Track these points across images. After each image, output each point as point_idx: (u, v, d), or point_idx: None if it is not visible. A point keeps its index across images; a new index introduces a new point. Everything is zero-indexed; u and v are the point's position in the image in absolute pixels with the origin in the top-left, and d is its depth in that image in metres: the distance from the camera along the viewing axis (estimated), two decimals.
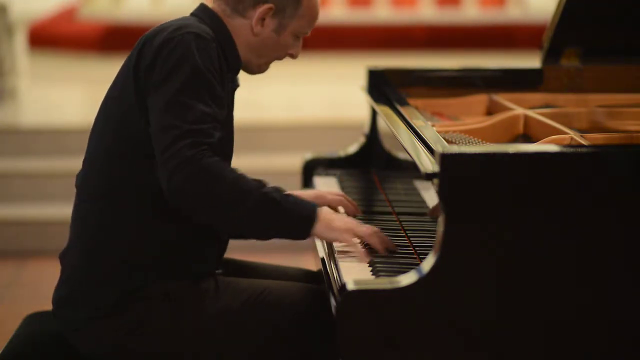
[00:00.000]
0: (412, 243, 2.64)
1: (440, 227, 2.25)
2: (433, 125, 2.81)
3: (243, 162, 5.26)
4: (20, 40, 8.55)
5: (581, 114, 3.11)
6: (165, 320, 2.52)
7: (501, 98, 3.28)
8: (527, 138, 3.01)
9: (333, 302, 2.33)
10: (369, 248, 2.54)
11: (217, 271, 2.69)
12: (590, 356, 2.32)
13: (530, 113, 3.04)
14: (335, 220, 2.49)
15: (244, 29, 2.64)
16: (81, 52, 8.50)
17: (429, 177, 2.32)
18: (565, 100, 3.32)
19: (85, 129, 2.80)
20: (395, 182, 3.17)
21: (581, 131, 2.82)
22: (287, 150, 6.01)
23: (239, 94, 2.73)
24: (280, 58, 2.72)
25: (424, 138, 2.55)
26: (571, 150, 2.32)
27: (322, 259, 2.60)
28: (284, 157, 5.94)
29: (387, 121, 2.92)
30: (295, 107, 6.91)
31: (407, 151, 2.57)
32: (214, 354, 2.54)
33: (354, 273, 2.40)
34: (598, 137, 2.73)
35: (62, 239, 2.71)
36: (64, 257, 2.63)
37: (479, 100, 3.36)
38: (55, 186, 5.67)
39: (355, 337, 2.26)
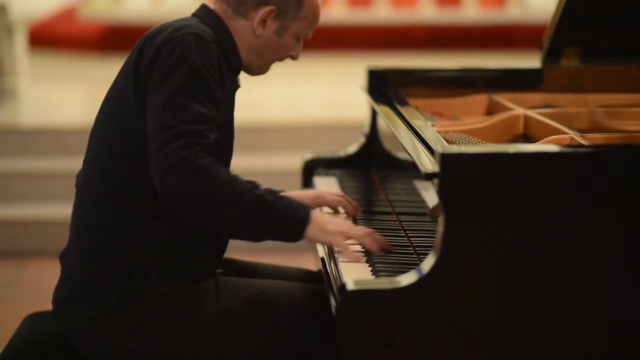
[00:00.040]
0: (412, 243, 2.64)
1: (440, 227, 2.25)
2: (433, 125, 2.81)
3: (243, 162, 5.27)
4: (20, 40, 8.55)
5: (581, 114, 3.11)
6: (165, 320, 2.52)
7: (501, 98, 3.28)
8: (527, 138, 3.01)
9: (333, 302, 2.33)
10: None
11: (217, 271, 2.69)
12: (590, 356, 2.32)
13: (530, 113, 3.04)
14: (328, 223, 2.49)
15: (245, 30, 2.64)
16: (81, 52, 8.50)
17: (429, 177, 2.32)
18: (565, 100, 3.32)
19: (85, 129, 2.80)
20: (395, 182, 3.17)
21: (581, 131, 2.82)
22: (287, 150, 6.01)
23: (239, 94, 2.73)
24: (281, 59, 2.72)
25: (424, 138, 2.55)
26: (571, 150, 2.32)
27: (322, 259, 2.59)
28: (284, 157, 5.94)
29: (387, 121, 2.92)
30: (295, 107, 6.91)
31: (407, 151, 2.57)
32: (214, 354, 2.54)
33: (354, 273, 2.40)
34: (598, 137, 2.73)
35: (62, 239, 2.71)
36: (63, 257, 2.63)
37: (479, 100, 3.36)
38: (55, 186, 5.67)
39: (355, 337, 2.26)
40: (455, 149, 2.28)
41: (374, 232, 2.55)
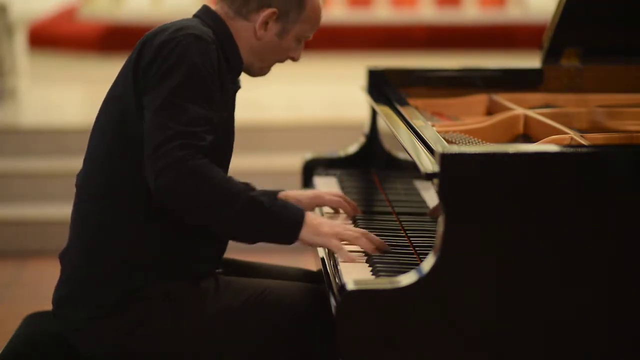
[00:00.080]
0: (412, 243, 2.64)
1: (440, 227, 2.25)
2: (433, 125, 2.81)
3: (243, 162, 5.28)
4: (20, 40, 8.55)
5: (581, 114, 3.11)
6: (165, 320, 2.52)
7: (501, 98, 3.28)
8: (527, 138, 3.01)
9: (333, 302, 2.33)
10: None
11: (217, 271, 2.69)
12: (590, 356, 2.32)
13: (530, 113, 3.04)
14: (322, 225, 2.49)
15: (247, 32, 2.64)
16: (81, 52, 8.50)
17: (429, 177, 2.32)
18: (565, 100, 3.32)
19: (85, 129, 2.81)
20: (395, 182, 3.17)
21: (581, 131, 2.82)
22: (287, 150, 6.01)
23: (239, 94, 2.73)
24: (281, 61, 2.72)
25: (424, 138, 2.55)
26: (571, 150, 2.32)
27: (322, 259, 2.59)
28: (284, 157, 5.94)
29: (387, 121, 2.92)
30: (295, 107, 6.91)
31: (407, 151, 2.57)
32: (214, 353, 2.54)
33: (354, 273, 2.40)
34: (598, 137, 2.73)
35: (62, 239, 2.71)
36: (63, 257, 2.63)
37: (479, 100, 3.36)
38: (55, 186, 5.67)
39: (355, 337, 2.26)
40: (455, 149, 2.28)
41: (368, 233, 2.55)
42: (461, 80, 3.46)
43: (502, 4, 9.03)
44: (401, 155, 3.09)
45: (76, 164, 2.73)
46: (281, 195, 2.89)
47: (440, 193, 2.25)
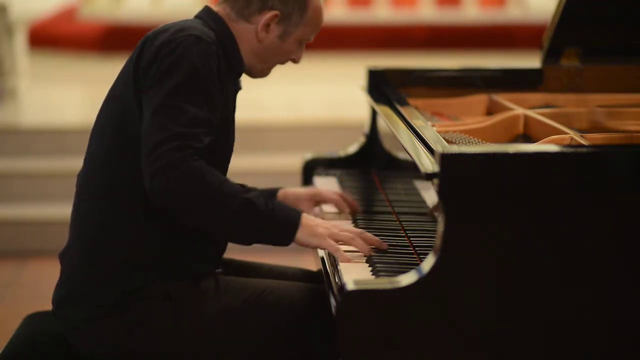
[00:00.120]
0: (412, 243, 2.64)
1: (440, 227, 2.25)
2: (433, 125, 2.81)
3: (243, 162, 5.28)
4: (20, 40, 8.55)
5: (581, 114, 3.11)
6: (165, 320, 2.52)
7: (501, 98, 3.27)
8: (527, 138, 3.01)
9: (333, 302, 2.33)
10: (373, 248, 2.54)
11: (217, 271, 2.69)
12: (590, 356, 2.32)
13: (530, 113, 3.04)
14: (318, 226, 2.49)
15: (249, 34, 2.64)
16: (81, 52, 8.50)
17: (429, 177, 2.32)
18: (565, 100, 3.32)
19: (85, 129, 2.81)
20: (395, 182, 3.17)
21: (581, 131, 2.82)
22: (287, 150, 6.01)
23: (239, 94, 2.73)
24: (282, 63, 2.73)
25: (424, 138, 2.55)
26: (571, 150, 2.32)
27: (322, 259, 2.59)
28: (284, 157, 5.94)
29: (387, 121, 2.92)
30: (295, 107, 6.91)
31: (407, 151, 2.57)
32: (214, 353, 2.54)
33: (354, 273, 2.40)
34: (598, 137, 2.73)
35: (62, 239, 2.71)
36: (63, 257, 2.63)
37: (479, 100, 3.36)
38: (55, 186, 5.67)
39: (355, 337, 2.26)
40: (455, 149, 2.28)
41: (365, 233, 2.55)
42: (461, 80, 3.46)
43: (502, 4, 9.03)
44: (401, 155, 3.09)
45: (76, 164, 2.73)
46: (281, 192, 2.90)
47: (440, 193, 2.25)
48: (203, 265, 2.62)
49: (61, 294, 2.59)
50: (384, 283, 2.26)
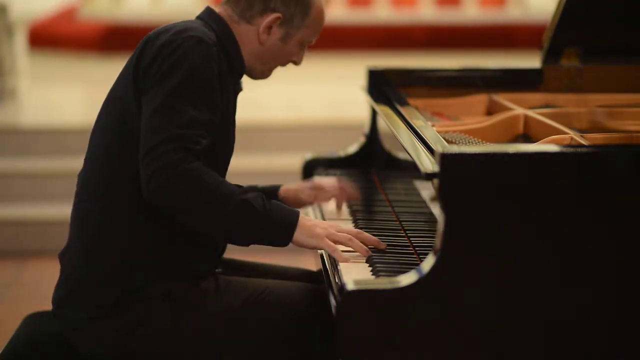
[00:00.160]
0: (412, 243, 2.64)
1: (440, 227, 2.25)
2: (433, 125, 2.81)
3: (243, 162, 5.27)
4: (20, 40, 8.55)
5: (581, 114, 3.11)
6: (165, 320, 2.52)
7: (501, 98, 3.27)
8: (527, 138, 3.01)
9: (333, 302, 2.33)
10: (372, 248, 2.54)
11: (217, 271, 2.69)
12: (590, 356, 2.32)
13: (530, 113, 3.04)
14: (316, 227, 2.49)
15: (250, 36, 2.64)
16: (81, 52, 8.50)
17: (429, 177, 2.32)
18: (565, 100, 3.32)
19: (85, 129, 2.81)
20: (395, 182, 3.17)
21: (581, 131, 2.82)
22: (287, 150, 6.01)
23: (239, 95, 2.73)
24: (283, 65, 2.73)
25: (424, 138, 2.55)
26: (571, 150, 2.32)
27: (322, 259, 2.59)
28: (284, 157, 5.94)
29: (387, 121, 2.92)
30: (295, 107, 6.91)
31: (407, 151, 2.57)
32: (214, 353, 2.54)
33: (354, 273, 2.40)
34: (598, 137, 2.73)
35: (62, 239, 2.71)
36: (63, 257, 2.63)
37: (479, 100, 3.36)
38: (55, 186, 5.67)
39: (355, 337, 2.26)
40: (455, 149, 2.28)
41: (362, 233, 2.55)
42: (461, 80, 3.46)
43: (502, 4, 9.03)
44: (401, 155, 3.09)
45: (76, 164, 2.73)
46: (283, 189, 2.91)
47: (440, 193, 2.25)
48: (203, 265, 2.62)
49: (61, 294, 2.59)
50: (384, 283, 2.26)
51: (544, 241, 2.27)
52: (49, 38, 8.84)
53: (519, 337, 2.29)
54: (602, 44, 3.39)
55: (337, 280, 2.39)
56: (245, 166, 5.57)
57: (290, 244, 2.50)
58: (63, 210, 4.44)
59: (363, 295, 2.24)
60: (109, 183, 2.55)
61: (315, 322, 2.55)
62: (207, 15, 2.66)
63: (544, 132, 2.85)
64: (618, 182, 2.28)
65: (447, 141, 2.63)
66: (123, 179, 2.53)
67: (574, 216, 2.27)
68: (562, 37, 3.35)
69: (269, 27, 2.63)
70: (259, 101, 6.74)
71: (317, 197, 2.93)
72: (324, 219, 2.92)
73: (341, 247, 2.51)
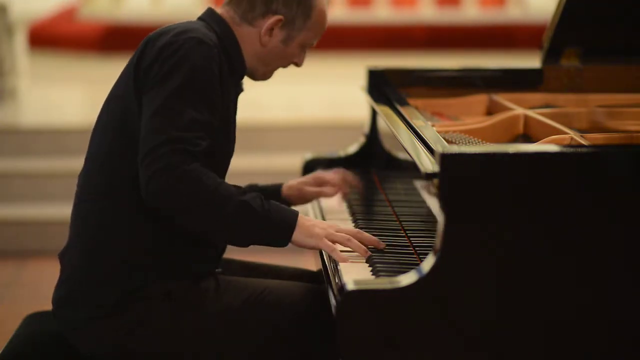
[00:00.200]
0: (412, 243, 2.64)
1: (440, 227, 2.25)
2: (433, 125, 2.81)
3: (243, 162, 5.27)
4: (20, 40, 8.55)
5: (581, 114, 3.11)
6: (165, 320, 2.52)
7: (501, 98, 3.27)
8: (527, 138, 3.01)
9: (333, 302, 2.33)
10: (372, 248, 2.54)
11: (217, 271, 2.69)
12: (590, 356, 2.32)
13: (530, 113, 3.04)
14: (315, 227, 2.49)
15: (252, 37, 2.64)
16: (81, 52, 8.50)
17: (429, 177, 2.32)
18: (565, 100, 3.32)
19: (85, 129, 2.81)
20: (395, 182, 3.17)
21: (581, 131, 2.82)
22: (287, 150, 6.01)
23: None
24: (285, 66, 2.73)
25: (424, 138, 2.55)
26: (571, 150, 2.32)
27: (322, 259, 2.59)
28: (284, 157, 5.94)
29: (387, 121, 2.92)
30: (295, 107, 6.91)
31: (407, 151, 2.57)
32: (214, 353, 2.54)
33: (354, 273, 2.40)
34: (598, 137, 2.73)
35: (62, 239, 2.71)
36: (63, 257, 2.63)
37: (479, 100, 3.36)
38: (55, 186, 5.67)
39: (355, 337, 2.26)
40: (455, 149, 2.28)
41: (361, 232, 2.55)
42: (461, 80, 3.46)
43: (502, 4, 9.03)
44: (401, 155, 3.09)
45: (76, 164, 2.73)
46: (285, 186, 2.93)
47: (440, 193, 2.25)
48: (203, 265, 2.62)
49: (61, 294, 2.59)
50: (384, 283, 2.26)
51: (544, 241, 2.27)
52: (49, 38, 8.85)
53: (519, 337, 2.29)
54: (602, 44, 3.39)
55: (337, 280, 2.39)
56: (245, 166, 5.57)
57: (290, 244, 2.50)
58: (63, 210, 4.44)
59: (363, 295, 2.24)
60: (109, 183, 2.55)
61: (315, 322, 2.55)
62: (209, 16, 2.66)
63: (544, 132, 2.85)
64: (618, 182, 2.28)
65: (447, 141, 2.63)
66: (123, 179, 2.53)
67: (574, 216, 2.27)
68: (562, 37, 3.35)
69: (271, 29, 2.63)
70: (259, 101, 6.74)
71: (321, 190, 2.94)
72: (324, 218, 2.93)
73: (340, 247, 2.51)
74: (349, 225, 2.82)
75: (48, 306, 2.69)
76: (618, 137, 2.80)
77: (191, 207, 2.41)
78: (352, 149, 3.47)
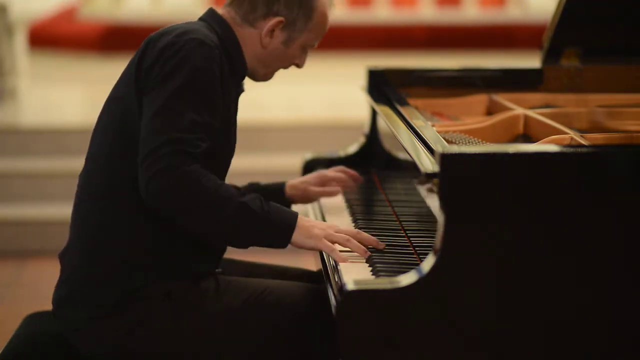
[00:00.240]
0: (412, 243, 2.64)
1: (440, 227, 2.25)
2: (433, 125, 2.81)
3: (243, 162, 5.27)
4: (20, 40, 8.55)
5: (581, 114, 3.11)
6: (165, 320, 2.52)
7: (501, 98, 3.27)
8: (527, 138, 3.01)
9: (333, 302, 2.33)
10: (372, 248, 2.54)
11: (217, 271, 2.69)
12: (590, 356, 2.32)
13: (530, 113, 3.04)
14: (314, 228, 2.50)
15: (253, 38, 2.64)
16: (81, 52, 8.50)
17: (429, 177, 2.32)
18: (565, 100, 3.32)
19: (85, 129, 2.81)
20: (395, 182, 3.17)
21: (581, 131, 2.82)
22: (287, 150, 6.01)
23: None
24: (286, 67, 2.73)
25: (424, 138, 2.55)
26: (571, 150, 2.32)
27: (322, 259, 2.59)
28: (284, 157, 5.94)
29: (387, 121, 2.92)
30: (295, 107, 6.91)
31: (407, 151, 2.57)
32: (214, 353, 2.54)
33: (354, 273, 2.40)
34: (598, 137, 2.73)
35: (62, 239, 2.71)
36: (63, 257, 2.63)
37: (479, 100, 3.36)
38: (55, 186, 5.67)
39: (355, 337, 2.26)
40: (455, 149, 2.28)
41: (361, 233, 2.55)
42: (461, 80, 3.46)
43: (502, 4, 9.03)
44: (401, 155, 3.09)
45: (76, 164, 2.73)
46: (288, 185, 2.93)
47: (440, 193, 2.25)
48: (203, 265, 2.62)
49: (61, 294, 2.59)
50: (384, 283, 2.26)
51: (544, 241, 2.27)
52: (49, 38, 8.85)
53: (519, 337, 2.29)
54: (602, 44, 3.39)
55: (337, 280, 2.39)
56: (245, 166, 5.57)
57: (289, 245, 2.50)
58: (63, 210, 4.44)
59: (363, 295, 2.24)
60: (109, 183, 2.55)
61: (315, 322, 2.55)
62: (210, 16, 2.66)
63: (544, 132, 2.85)
64: (618, 182, 2.28)
65: (447, 141, 2.63)
66: (123, 179, 2.53)
67: (574, 216, 2.27)
68: (562, 37, 3.35)
69: (272, 31, 2.63)
70: (259, 101, 6.74)
71: (325, 190, 2.95)
72: (324, 218, 2.93)
73: (340, 247, 2.51)
74: (348, 225, 2.82)
75: (48, 306, 2.69)
76: (618, 137, 2.80)
77: (191, 209, 2.41)
78: (352, 149, 3.47)
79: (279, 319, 2.55)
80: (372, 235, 2.58)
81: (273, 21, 2.62)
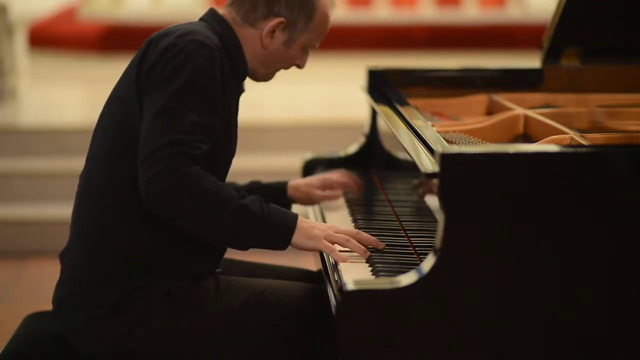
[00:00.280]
0: (412, 243, 2.64)
1: (440, 227, 2.25)
2: (433, 125, 2.81)
3: (243, 162, 5.27)
4: (20, 40, 8.55)
5: (581, 114, 3.11)
6: (165, 320, 2.52)
7: (501, 98, 3.27)
8: (527, 138, 3.01)
9: (333, 302, 2.33)
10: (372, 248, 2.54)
11: (217, 270, 2.69)
12: (590, 356, 2.32)
13: (530, 113, 3.04)
14: (314, 229, 2.50)
15: (253, 39, 2.64)
16: (81, 52, 8.50)
17: (429, 177, 2.32)
18: (565, 100, 3.32)
19: (85, 129, 2.81)
20: (395, 182, 3.17)
21: (581, 131, 2.82)
22: (287, 150, 6.01)
23: None
24: (286, 68, 2.73)
25: (424, 138, 2.55)
26: (571, 150, 2.32)
27: (322, 259, 2.59)
28: (284, 157, 5.94)
29: (387, 121, 2.92)
30: (295, 107, 6.91)
31: (407, 151, 2.57)
32: (214, 353, 2.54)
33: (354, 273, 2.40)
34: (598, 137, 2.73)
35: (62, 239, 2.71)
36: (63, 257, 2.63)
37: (479, 100, 3.36)
38: (55, 186, 5.67)
39: (355, 337, 2.26)
40: (455, 149, 2.28)
41: (361, 233, 2.55)
42: (461, 80, 3.46)
43: (502, 4, 9.03)
44: (401, 155, 3.09)
45: (76, 164, 2.73)
46: (291, 184, 2.94)
47: (440, 193, 2.25)
48: (203, 265, 2.62)
49: (61, 294, 2.59)
50: (384, 283, 2.26)
51: (544, 241, 2.27)
52: (49, 38, 8.85)
53: (519, 337, 2.29)
54: (602, 44, 3.39)
55: (337, 280, 2.39)
56: (245, 166, 5.57)
57: (289, 246, 2.50)
58: (63, 210, 4.44)
59: (363, 295, 2.24)
60: (109, 183, 2.55)
61: (315, 322, 2.55)
62: (211, 17, 2.66)
63: (544, 132, 2.85)
64: (618, 182, 2.28)
65: (447, 141, 2.63)
66: (124, 180, 2.53)
67: (574, 216, 2.27)
68: (562, 37, 3.35)
69: (272, 31, 2.63)
70: (259, 101, 6.74)
71: (328, 195, 2.96)
72: (324, 219, 2.93)
73: (340, 248, 2.51)
74: (348, 225, 2.82)
75: (48, 306, 2.69)
76: (618, 137, 2.80)
77: (191, 210, 2.41)
78: (352, 149, 3.47)
79: (279, 319, 2.55)
80: (372, 235, 2.58)
81: (274, 22, 2.62)
